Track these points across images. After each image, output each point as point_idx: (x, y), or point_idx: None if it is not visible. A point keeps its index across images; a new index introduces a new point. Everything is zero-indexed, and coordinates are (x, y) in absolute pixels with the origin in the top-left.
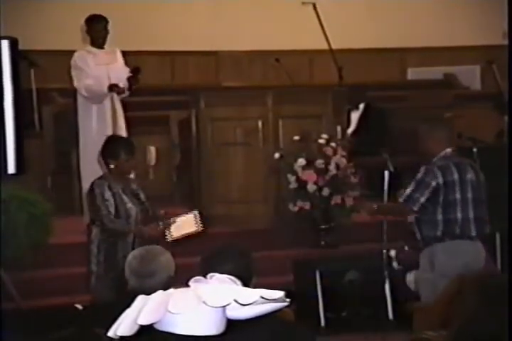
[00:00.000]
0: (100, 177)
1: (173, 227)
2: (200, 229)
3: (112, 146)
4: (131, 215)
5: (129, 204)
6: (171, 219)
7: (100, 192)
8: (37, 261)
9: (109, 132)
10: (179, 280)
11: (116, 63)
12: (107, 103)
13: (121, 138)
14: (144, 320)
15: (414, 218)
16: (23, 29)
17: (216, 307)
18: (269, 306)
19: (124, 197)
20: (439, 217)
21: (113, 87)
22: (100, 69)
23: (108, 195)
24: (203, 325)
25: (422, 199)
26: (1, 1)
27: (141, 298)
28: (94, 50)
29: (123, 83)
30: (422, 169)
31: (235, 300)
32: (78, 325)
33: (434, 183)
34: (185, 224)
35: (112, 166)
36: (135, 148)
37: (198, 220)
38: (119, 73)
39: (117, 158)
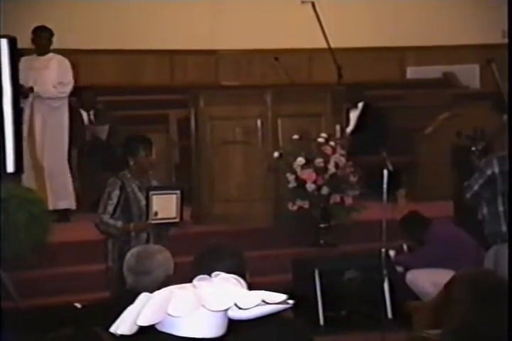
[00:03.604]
0: (117, 176)
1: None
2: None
3: (130, 144)
4: (144, 213)
5: (144, 202)
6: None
7: (108, 191)
8: (36, 260)
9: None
10: (177, 278)
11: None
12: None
13: (139, 135)
14: (143, 321)
15: (486, 213)
16: (22, 28)
17: (215, 311)
18: (272, 307)
19: (140, 195)
20: (500, 208)
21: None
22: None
23: (115, 194)
24: (204, 328)
25: (476, 187)
26: (1, 0)
27: (143, 296)
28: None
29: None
30: (484, 159)
31: (235, 304)
32: (77, 323)
33: (489, 172)
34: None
35: (131, 163)
36: (152, 144)
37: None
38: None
39: (136, 154)
